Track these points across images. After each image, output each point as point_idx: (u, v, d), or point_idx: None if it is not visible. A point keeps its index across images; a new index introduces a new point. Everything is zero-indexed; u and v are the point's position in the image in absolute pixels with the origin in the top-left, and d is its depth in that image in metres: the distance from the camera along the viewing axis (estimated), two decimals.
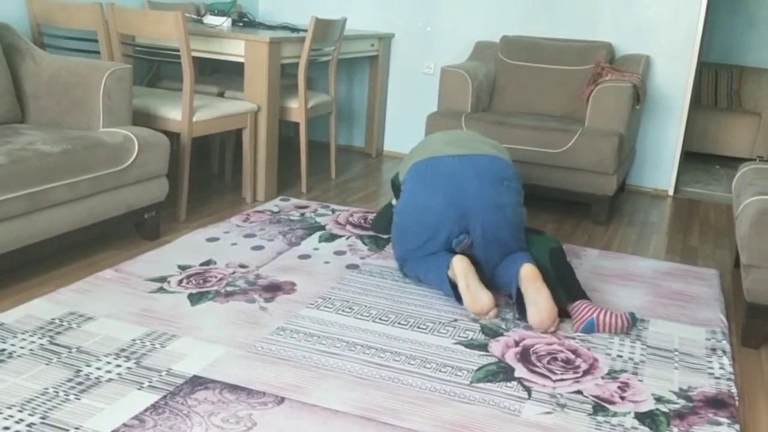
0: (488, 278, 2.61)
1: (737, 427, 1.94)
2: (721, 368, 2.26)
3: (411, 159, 2.78)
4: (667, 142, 4.48)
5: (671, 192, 4.56)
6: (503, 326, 2.45)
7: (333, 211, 3.63)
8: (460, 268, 2.47)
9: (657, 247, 3.50)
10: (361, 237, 3.25)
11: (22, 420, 1.73)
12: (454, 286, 2.53)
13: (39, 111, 2.97)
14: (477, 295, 2.45)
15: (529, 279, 2.41)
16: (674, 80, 4.37)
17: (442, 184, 2.58)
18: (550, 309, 2.38)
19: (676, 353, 2.35)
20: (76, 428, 1.72)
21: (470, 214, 2.54)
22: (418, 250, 2.66)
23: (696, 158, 5.67)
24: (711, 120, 5.68)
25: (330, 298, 2.58)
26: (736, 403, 2.06)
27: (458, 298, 2.53)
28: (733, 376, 2.21)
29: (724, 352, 2.37)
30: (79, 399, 1.85)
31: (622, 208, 4.16)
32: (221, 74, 4.60)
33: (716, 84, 5.87)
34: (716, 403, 2.05)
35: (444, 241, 2.59)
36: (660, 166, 4.53)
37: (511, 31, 4.56)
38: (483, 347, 2.29)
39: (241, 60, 3.61)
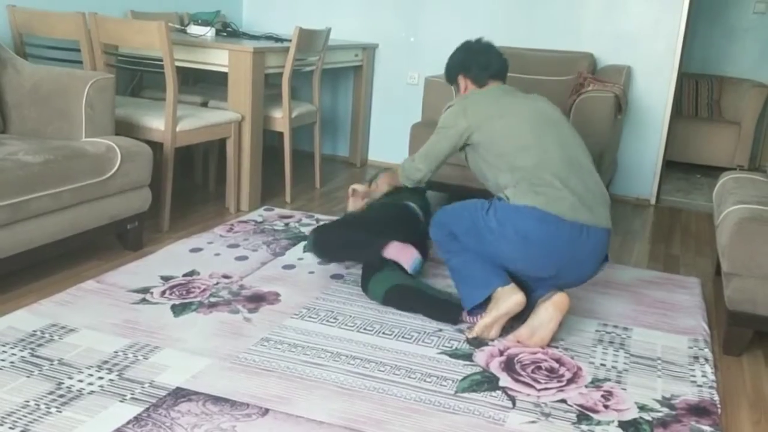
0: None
1: None
2: (703, 376, 2.27)
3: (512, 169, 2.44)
4: (649, 151, 4.52)
5: (653, 201, 4.60)
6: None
7: (317, 220, 3.63)
8: (513, 307, 2.35)
9: (639, 256, 3.52)
10: None
11: None
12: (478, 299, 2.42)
13: (21, 121, 2.95)
14: (493, 326, 2.38)
15: (555, 304, 2.33)
16: (655, 90, 4.41)
17: (559, 255, 2.35)
18: (544, 339, 2.36)
19: (659, 361, 2.36)
20: None
21: (560, 276, 2.41)
22: (480, 251, 2.44)
23: (677, 168, 5.72)
24: (692, 130, 5.74)
25: (314, 309, 2.57)
26: (719, 410, 2.08)
27: (471, 306, 2.43)
28: (715, 384, 2.23)
29: (707, 360, 2.39)
30: (60, 412, 1.83)
31: None
32: (205, 84, 4.59)
33: (697, 94, 5.93)
34: (699, 410, 2.06)
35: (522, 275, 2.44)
36: (642, 176, 4.57)
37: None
38: (467, 357, 2.29)
39: (225, 70, 3.61)
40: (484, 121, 2.54)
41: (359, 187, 3.11)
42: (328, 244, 2.79)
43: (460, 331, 2.46)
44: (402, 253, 2.62)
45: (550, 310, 2.34)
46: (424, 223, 2.88)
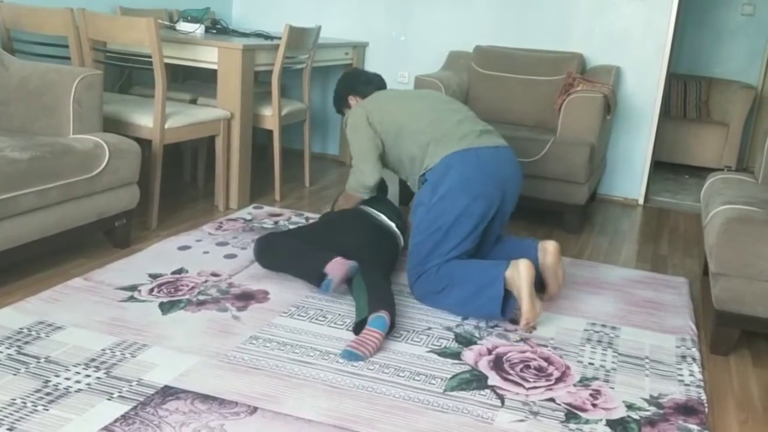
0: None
1: None
2: (690, 375, 2.29)
3: (427, 141, 2.71)
4: (637, 151, 4.53)
5: (641, 201, 4.62)
6: (476, 334, 2.45)
7: (307, 219, 3.62)
8: (528, 273, 2.40)
9: (627, 256, 3.54)
10: None
11: None
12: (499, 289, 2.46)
13: (8, 117, 2.92)
14: (534, 303, 2.41)
15: (555, 253, 2.66)
16: (644, 91, 4.43)
17: (492, 170, 2.66)
18: (560, 276, 2.71)
19: (647, 361, 2.37)
20: None
21: (506, 195, 2.69)
22: (460, 246, 2.59)
23: (665, 168, 5.75)
24: (680, 130, 5.76)
25: (303, 307, 2.57)
26: (706, 409, 2.09)
27: (499, 302, 2.44)
28: (702, 383, 2.24)
29: (694, 359, 2.40)
30: (47, 410, 1.81)
31: (593, 217, 4.20)
32: (194, 81, 4.57)
33: (685, 95, 5.96)
34: (686, 409, 2.07)
35: (485, 222, 2.65)
36: (630, 176, 4.59)
37: (484, 41, 4.59)
38: (456, 355, 2.29)
39: (215, 67, 3.59)
40: (378, 106, 2.89)
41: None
42: (268, 250, 2.75)
43: (449, 329, 2.47)
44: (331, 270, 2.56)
45: (551, 258, 2.66)
46: (386, 225, 2.92)
